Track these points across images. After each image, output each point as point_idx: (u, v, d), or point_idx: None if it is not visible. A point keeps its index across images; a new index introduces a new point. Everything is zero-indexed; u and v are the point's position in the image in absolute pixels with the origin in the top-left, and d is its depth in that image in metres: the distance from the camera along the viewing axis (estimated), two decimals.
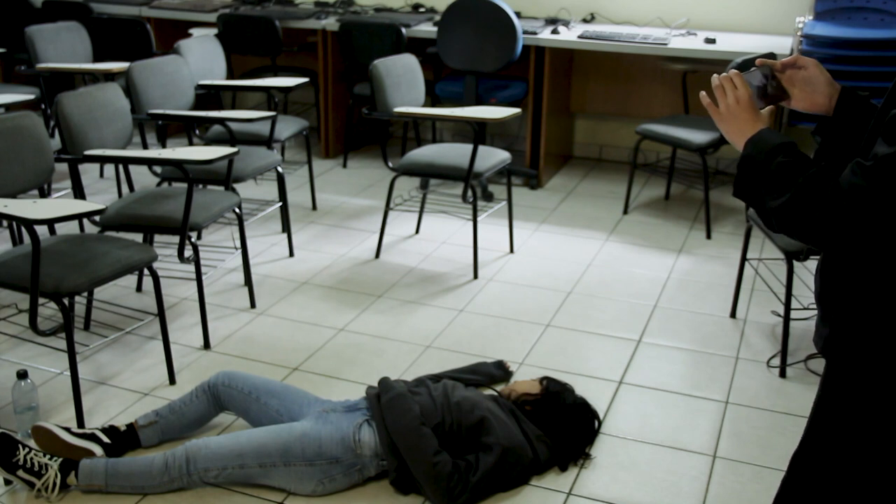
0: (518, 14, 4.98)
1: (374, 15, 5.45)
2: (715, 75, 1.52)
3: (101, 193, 4.84)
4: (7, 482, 2.40)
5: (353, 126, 5.56)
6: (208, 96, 4.38)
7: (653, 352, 3.21)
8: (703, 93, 1.54)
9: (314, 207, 4.71)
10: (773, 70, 1.57)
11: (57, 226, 2.84)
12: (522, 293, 3.70)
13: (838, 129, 1.55)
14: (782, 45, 4.53)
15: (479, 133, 3.77)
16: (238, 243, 3.65)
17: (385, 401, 2.46)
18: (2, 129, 2.81)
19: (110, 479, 2.35)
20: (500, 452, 2.36)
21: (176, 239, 3.12)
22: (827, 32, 4.34)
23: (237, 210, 3.43)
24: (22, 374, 2.62)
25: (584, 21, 5.32)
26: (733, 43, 4.63)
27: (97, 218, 3.03)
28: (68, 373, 2.69)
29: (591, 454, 2.59)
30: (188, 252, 3.12)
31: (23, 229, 2.96)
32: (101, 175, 5.17)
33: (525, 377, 2.91)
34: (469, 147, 3.83)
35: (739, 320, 3.47)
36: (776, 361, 3.10)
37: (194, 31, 5.45)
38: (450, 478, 2.30)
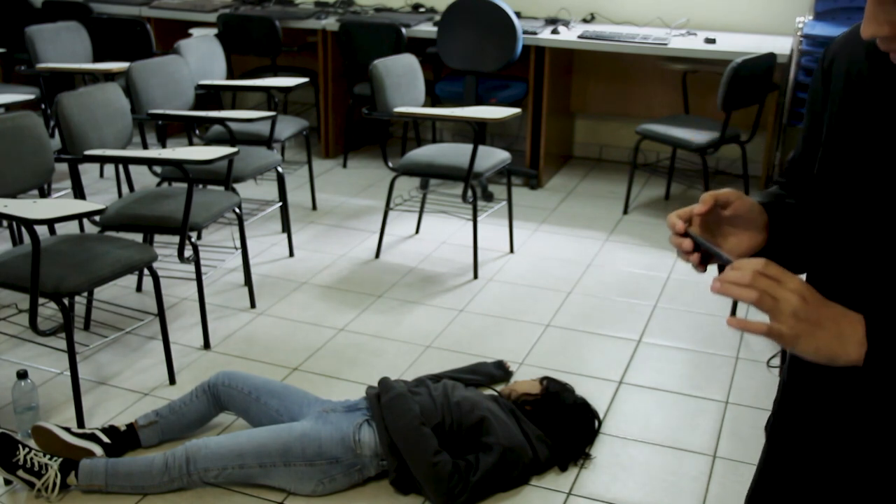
0: (518, 14, 4.98)
1: (374, 15, 5.45)
2: (718, 283, 0.96)
3: (101, 193, 4.84)
4: (7, 482, 2.40)
5: (353, 126, 5.56)
6: (208, 96, 4.38)
7: (653, 352, 3.21)
8: (732, 319, 0.96)
9: (314, 207, 4.71)
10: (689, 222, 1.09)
11: (57, 226, 2.84)
12: (522, 293, 3.70)
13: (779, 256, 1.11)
14: (782, 45, 4.53)
15: (479, 133, 3.77)
16: (238, 243, 3.65)
17: (385, 401, 2.46)
18: (2, 129, 2.81)
19: (110, 479, 2.35)
20: (500, 452, 2.37)
21: (176, 239, 3.12)
22: (827, 32, 4.34)
23: (237, 210, 3.43)
24: (22, 374, 2.62)
25: (584, 21, 5.32)
26: (733, 43, 4.63)
27: (97, 218, 3.03)
28: (68, 373, 2.70)
29: (591, 454, 2.59)
30: (188, 252, 3.12)
31: (23, 229, 2.96)
32: (101, 175, 5.17)
33: (525, 377, 2.91)
34: (469, 147, 3.84)
35: None
36: (776, 361, 3.10)
37: (194, 31, 5.45)
38: (450, 478, 2.30)
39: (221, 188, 3.50)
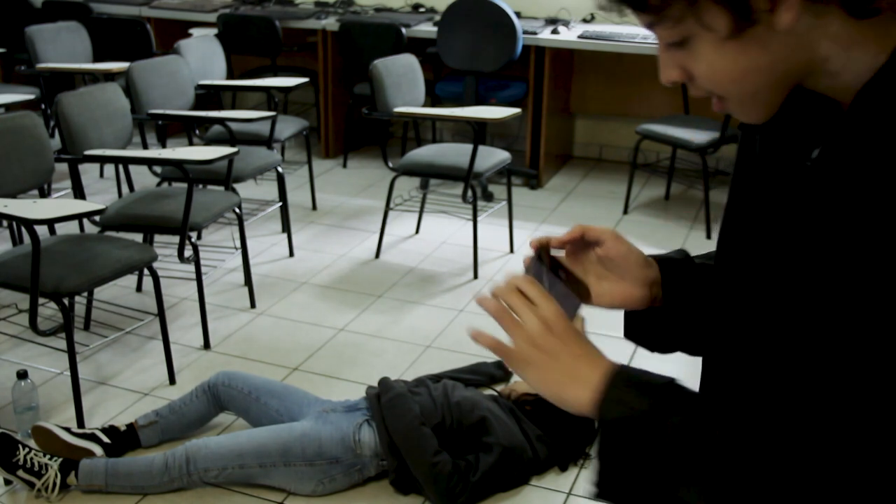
0: (518, 14, 4.98)
1: (374, 15, 5.45)
2: (481, 297, 0.89)
3: (101, 193, 4.84)
4: (7, 482, 2.40)
5: (353, 126, 5.56)
6: (208, 96, 4.38)
7: None
8: (474, 331, 0.89)
9: (314, 207, 4.71)
10: (548, 251, 0.99)
11: (57, 226, 2.84)
12: None
13: (670, 328, 1.04)
14: None
15: (479, 133, 3.77)
16: (238, 243, 3.65)
17: (385, 401, 2.45)
18: (2, 129, 2.81)
19: (110, 479, 2.35)
20: (500, 452, 2.36)
21: (176, 239, 3.12)
22: None
23: (237, 210, 3.43)
24: (22, 374, 2.62)
25: (584, 21, 5.32)
26: None
27: (97, 218, 3.03)
28: (68, 373, 2.70)
29: (591, 454, 2.59)
30: (188, 252, 3.12)
31: (23, 229, 2.96)
32: (101, 175, 5.17)
33: None
34: (469, 147, 3.83)
35: None
36: None
37: (194, 31, 5.45)
38: (450, 478, 2.30)
39: (221, 188, 3.50)
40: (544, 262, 0.97)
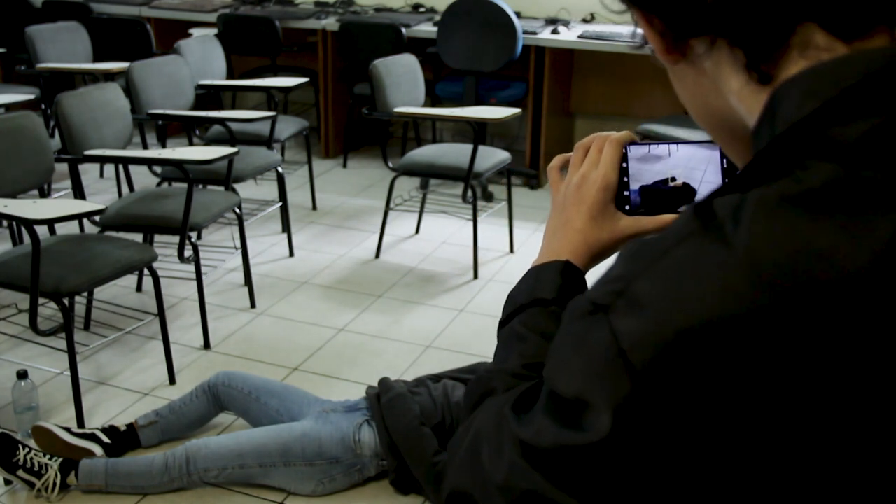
0: (518, 14, 4.98)
1: (374, 15, 5.45)
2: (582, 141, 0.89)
3: (101, 193, 4.83)
4: (7, 482, 2.40)
5: (353, 126, 5.56)
6: (208, 96, 4.38)
7: None
8: (554, 161, 0.92)
9: (314, 207, 4.71)
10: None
11: (57, 226, 2.84)
12: None
13: None
14: None
15: (479, 133, 3.77)
16: (238, 243, 3.65)
17: (385, 401, 2.45)
18: (2, 129, 2.82)
19: (110, 479, 2.35)
20: None
21: (176, 239, 3.12)
22: None
23: (237, 210, 3.43)
24: (22, 374, 2.62)
25: (584, 21, 5.32)
26: None
27: (97, 218, 3.03)
28: (68, 373, 2.70)
29: None
30: (188, 252, 3.12)
31: (23, 229, 2.96)
32: (101, 175, 5.16)
33: None
34: (469, 147, 3.84)
35: None
36: None
37: (194, 31, 5.45)
38: None
39: (221, 188, 3.50)
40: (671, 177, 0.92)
